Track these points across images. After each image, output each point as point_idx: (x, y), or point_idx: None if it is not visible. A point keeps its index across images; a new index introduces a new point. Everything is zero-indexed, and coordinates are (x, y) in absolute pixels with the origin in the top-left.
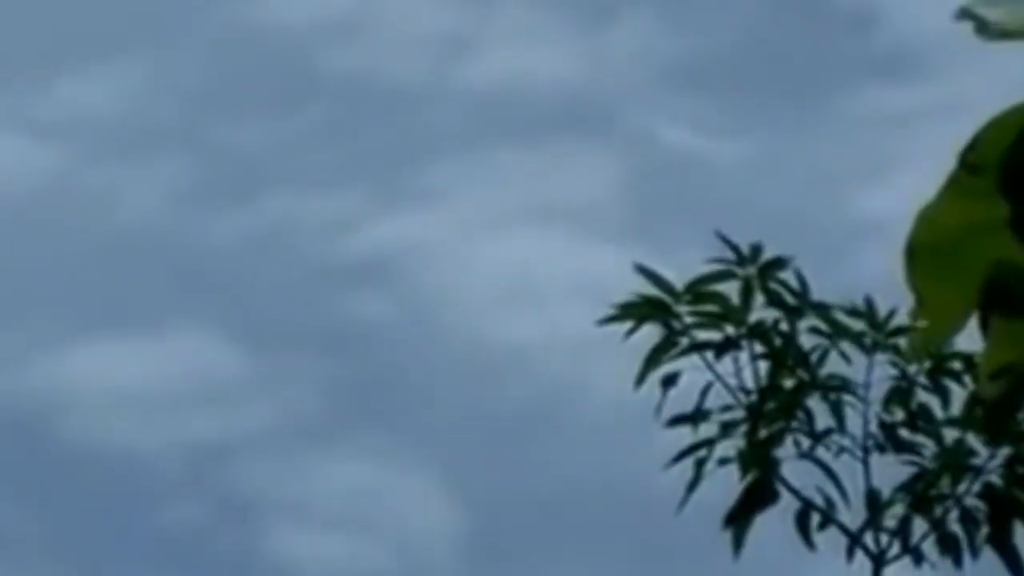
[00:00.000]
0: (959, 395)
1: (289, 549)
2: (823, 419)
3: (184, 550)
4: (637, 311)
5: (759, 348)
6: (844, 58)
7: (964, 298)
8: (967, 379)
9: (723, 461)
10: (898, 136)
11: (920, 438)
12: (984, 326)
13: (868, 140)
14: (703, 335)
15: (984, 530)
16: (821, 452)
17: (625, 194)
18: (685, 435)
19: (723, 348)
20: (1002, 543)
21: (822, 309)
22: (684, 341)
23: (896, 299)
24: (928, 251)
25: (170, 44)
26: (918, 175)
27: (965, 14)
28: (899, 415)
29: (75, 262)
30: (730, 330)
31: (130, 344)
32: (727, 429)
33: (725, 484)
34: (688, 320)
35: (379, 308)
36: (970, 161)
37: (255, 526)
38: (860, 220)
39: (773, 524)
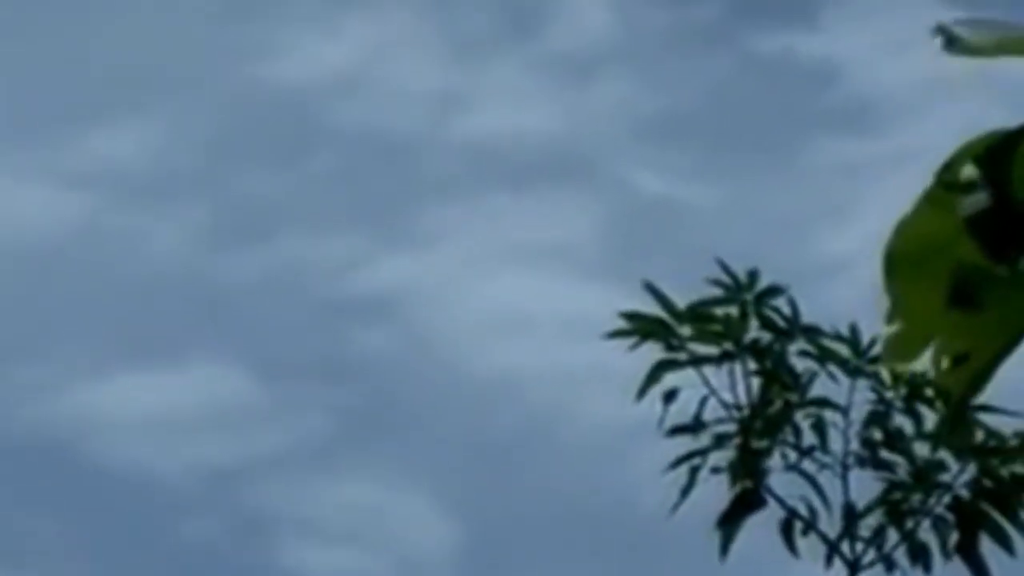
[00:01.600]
0: (931, 418)
1: (299, 563)
2: (808, 436)
3: (202, 564)
4: (642, 327)
5: (752, 366)
6: (806, 112)
7: (936, 302)
8: (939, 404)
9: (715, 470)
10: (856, 183)
11: (895, 456)
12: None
13: (828, 186)
14: (702, 350)
15: (952, 539)
16: (806, 465)
17: (605, 236)
18: (669, 452)
19: (721, 360)
20: (969, 551)
21: (811, 333)
22: (683, 357)
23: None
24: (904, 259)
25: (189, 100)
26: (874, 218)
27: (940, 30)
28: (877, 435)
29: (103, 300)
30: (728, 346)
31: (153, 375)
32: (721, 441)
33: (709, 502)
34: (688, 338)
35: (382, 341)
36: (945, 178)
37: (268, 541)
38: (821, 259)
39: (759, 531)
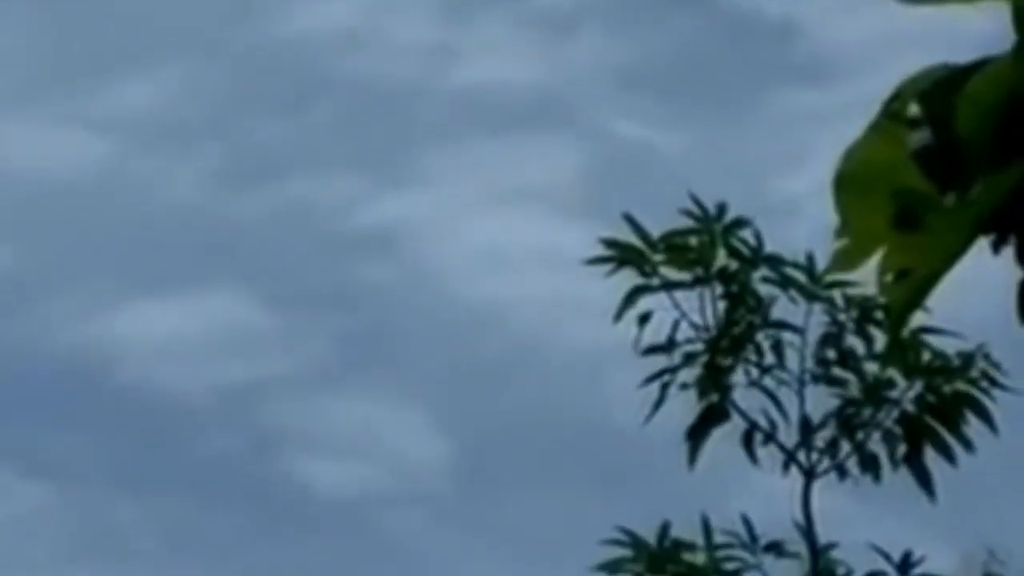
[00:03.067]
0: (881, 339)
1: (307, 474)
2: (769, 355)
3: (219, 475)
4: (619, 254)
5: (720, 291)
6: (768, 64)
7: (879, 220)
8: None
9: (684, 386)
10: (812, 130)
11: (848, 374)
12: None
13: (788, 133)
14: (674, 276)
15: (900, 450)
16: (766, 382)
17: (584, 177)
18: (643, 370)
19: (691, 286)
20: (914, 462)
21: (773, 262)
22: (656, 282)
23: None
24: (852, 181)
25: (204, 52)
26: (829, 162)
27: None
28: (831, 354)
29: (128, 236)
30: (697, 272)
31: (173, 303)
32: (689, 359)
33: (678, 416)
34: (661, 265)
35: (380, 273)
36: (891, 109)
37: (279, 455)
38: (781, 197)
39: (723, 442)
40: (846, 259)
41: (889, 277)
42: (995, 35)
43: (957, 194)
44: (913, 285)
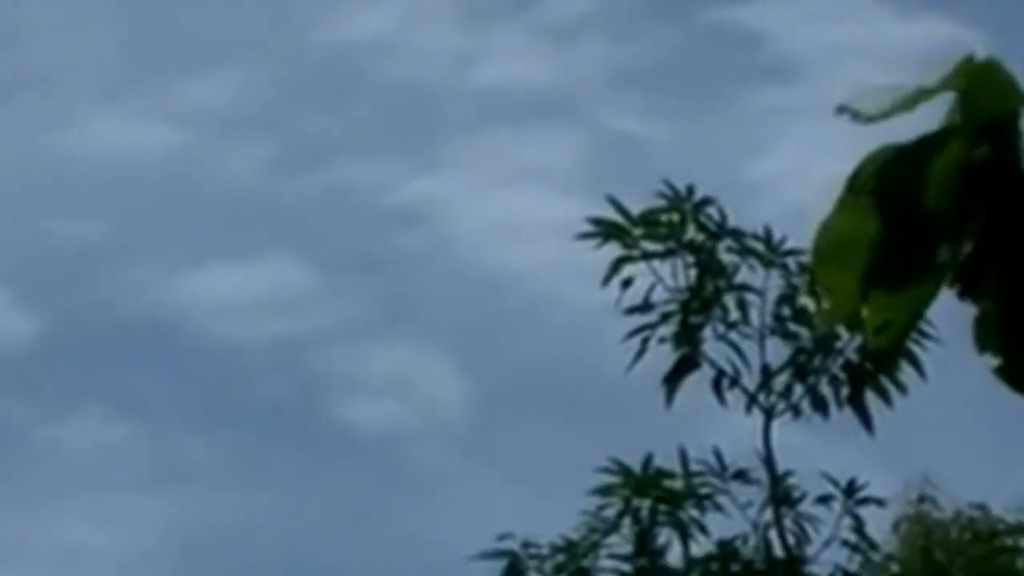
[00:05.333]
0: None
1: (350, 413)
2: (733, 313)
3: (274, 414)
4: (604, 229)
5: (690, 259)
6: (740, 67)
7: (853, 285)
8: None
9: (662, 340)
10: (777, 123)
11: (801, 328)
12: (864, 298)
13: (756, 126)
14: (651, 247)
15: (844, 393)
16: (732, 336)
17: (583, 162)
18: (626, 327)
19: (666, 255)
20: (857, 402)
21: (736, 234)
22: (637, 253)
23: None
24: (827, 254)
25: (261, 56)
26: (790, 152)
27: (843, 109)
28: (787, 312)
29: (197, 211)
30: (671, 244)
31: (236, 268)
32: (666, 317)
33: (657, 365)
34: (640, 238)
35: (412, 243)
36: (854, 186)
37: (325, 397)
38: (749, 181)
39: (695, 387)
40: (828, 318)
41: (872, 331)
42: (925, 55)
43: (922, 255)
44: (894, 334)
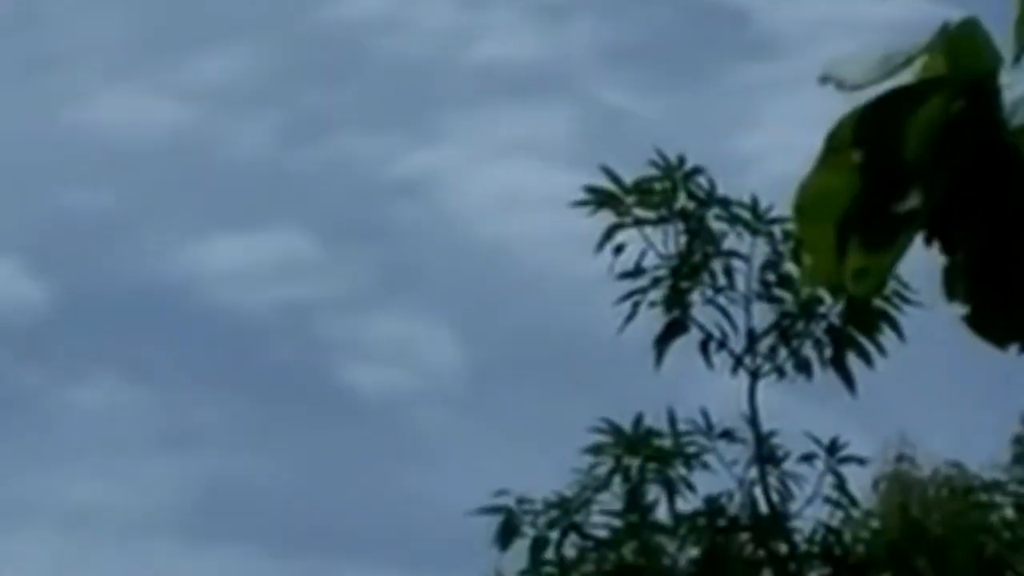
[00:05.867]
0: None
1: (351, 377)
2: (721, 278)
3: (279, 378)
4: (598, 197)
5: (680, 227)
6: (727, 43)
7: (833, 240)
8: None
9: (652, 304)
10: (763, 97)
11: (785, 293)
12: (842, 248)
13: (742, 100)
14: (643, 215)
15: (827, 355)
16: (719, 300)
17: (576, 135)
18: (619, 291)
19: (657, 223)
20: (839, 364)
21: (724, 203)
22: (629, 220)
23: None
24: (808, 210)
25: (267, 33)
26: (775, 125)
27: (826, 78)
28: (772, 277)
29: (206, 182)
30: (662, 212)
31: (243, 237)
32: (656, 282)
33: (648, 328)
34: (632, 206)
35: (412, 214)
36: (832, 143)
37: (328, 362)
38: (735, 153)
39: (684, 350)
40: (811, 274)
41: (851, 276)
42: (907, 23)
43: (899, 204)
44: (871, 281)
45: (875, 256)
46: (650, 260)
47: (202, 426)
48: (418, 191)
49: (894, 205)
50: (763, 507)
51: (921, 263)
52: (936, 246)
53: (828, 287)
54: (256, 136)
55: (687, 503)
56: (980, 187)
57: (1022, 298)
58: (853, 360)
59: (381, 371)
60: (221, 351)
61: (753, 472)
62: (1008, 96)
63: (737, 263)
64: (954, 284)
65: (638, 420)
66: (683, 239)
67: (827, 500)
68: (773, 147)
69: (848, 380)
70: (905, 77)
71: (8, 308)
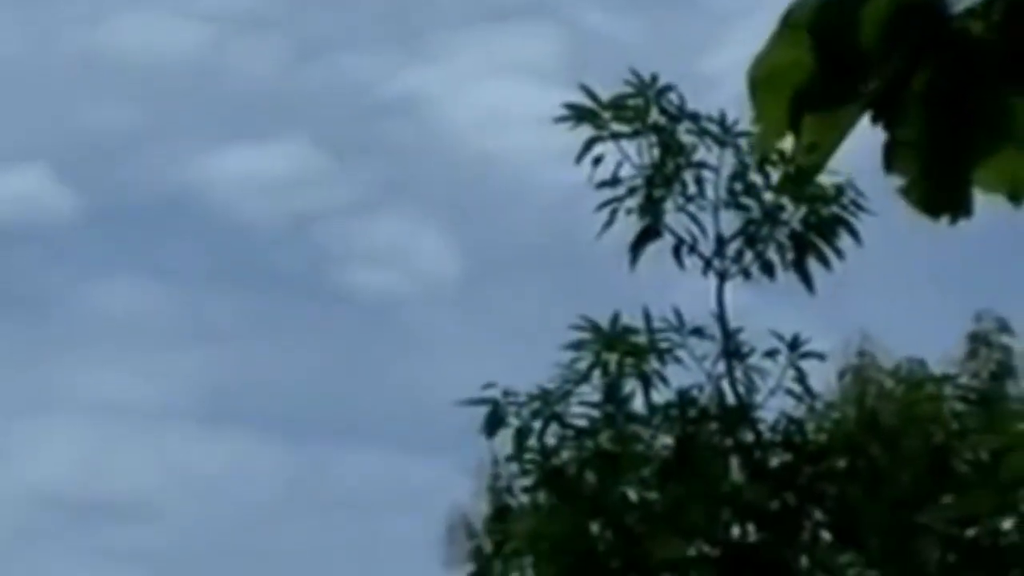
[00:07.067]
0: (775, 175)
1: (354, 280)
2: (691, 187)
3: (287, 279)
4: (577, 113)
5: (653, 139)
6: None
7: (783, 110)
8: (780, 166)
9: (628, 211)
10: (733, 21)
11: (751, 201)
12: (795, 125)
13: (714, 23)
14: (619, 129)
15: (789, 259)
16: (690, 208)
17: (560, 55)
18: (597, 199)
19: (632, 136)
20: (800, 267)
21: (694, 117)
22: (606, 134)
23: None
24: (762, 82)
25: None
26: (746, 47)
27: None
28: (738, 187)
29: (219, 98)
30: (637, 126)
31: (253, 150)
32: (632, 191)
33: (624, 234)
34: (609, 121)
35: (407, 129)
36: (788, 21)
37: (332, 266)
38: (706, 71)
39: (658, 255)
40: (762, 142)
41: (801, 150)
42: None
43: (850, 84)
44: (821, 153)
45: (825, 132)
46: (626, 171)
47: (216, 323)
48: (413, 108)
49: (845, 85)
50: (730, 399)
51: (874, 174)
52: (881, 124)
53: (776, 154)
54: (266, 56)
55: (660, 395)
56: (924, 70)
57: (955, 173)
58: (813, 264)
59: (379, 273)
60: (233, 254)
61: (721, 366)
62: None
63: (706, 173)
64: (895, 159)
65: (615, 318)
66: (656, 151)
67: (789, 393)
68: (740, 66)
69: (808, 281)
70: None
71: (38, 213)
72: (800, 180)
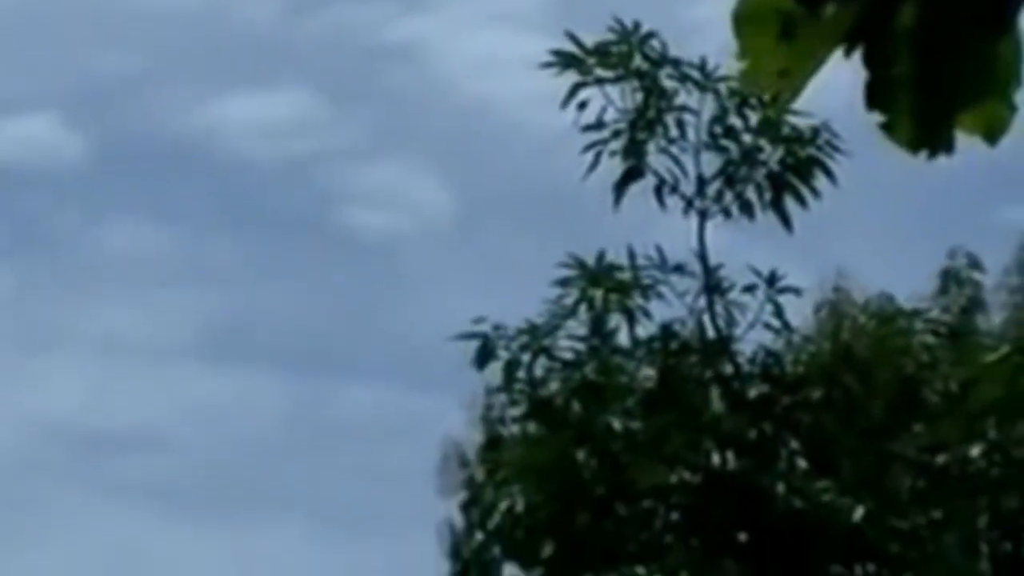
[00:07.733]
0: (753, 118)
1: (352, 220)
2: (673, 130)
3: (289, 221)
4: (563, 59)
5: (636, 84)
6: None
7: (768, 43)
8: (759, 111)
9: (612, 153)
10: None
11: (730, 143)
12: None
13: None
14: (603, 74)
15: (767, 198)
16: (672, 150)
17: (549, 4)
18: (583, 141)
19: (616, 81)
20: (778, 206)
21: (675, 63)
22: (591, 79)
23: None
24: (747, 16)
25: None
26: None
27: None
28: (718, 129)
29: (221, 45)
30: (620, 72)
31: (254, 96)
32: (616, 134)
33: (608, 174)
34: (594, 66)
35: (405, 76)
36: None
37: (331, 207)
38: (689, 20)
39: (641, 196)
40: (748, 76)
41: (773, 77)
42: None
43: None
44: (792, 82)
45: (799, 61)
46: (610, 115)
47: (220, 263)
48: (410, 55)
49: (821, 17)
50: (711, 332)
51: (850, 116)
52: (863, 60)
53: (762, 90)
54: (268, 5)
55: (644, 329)
56: (901, 4)
57: (933, 108)
58: (790, 203)
59: (376, 214)
60: (236, 197)
61: (702, 302)
62: None
63: (687, 117)
64: (876, 96)
65: (601, 256)
66: (639, 96)
67: (767, 326)
68: (720, 16)
69: (786, 220)
70: None
71: (47, 157)
72: (773, 108)
